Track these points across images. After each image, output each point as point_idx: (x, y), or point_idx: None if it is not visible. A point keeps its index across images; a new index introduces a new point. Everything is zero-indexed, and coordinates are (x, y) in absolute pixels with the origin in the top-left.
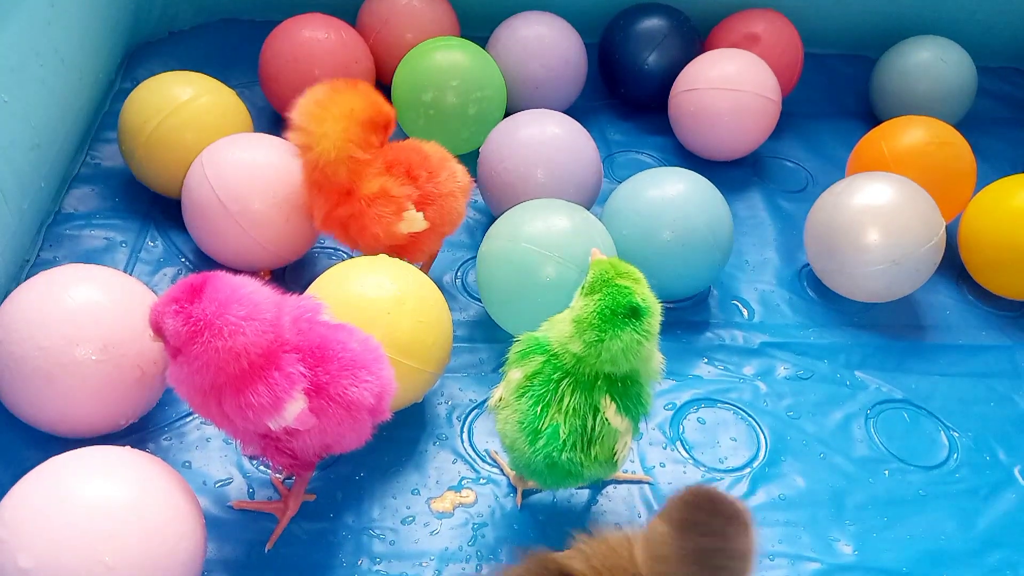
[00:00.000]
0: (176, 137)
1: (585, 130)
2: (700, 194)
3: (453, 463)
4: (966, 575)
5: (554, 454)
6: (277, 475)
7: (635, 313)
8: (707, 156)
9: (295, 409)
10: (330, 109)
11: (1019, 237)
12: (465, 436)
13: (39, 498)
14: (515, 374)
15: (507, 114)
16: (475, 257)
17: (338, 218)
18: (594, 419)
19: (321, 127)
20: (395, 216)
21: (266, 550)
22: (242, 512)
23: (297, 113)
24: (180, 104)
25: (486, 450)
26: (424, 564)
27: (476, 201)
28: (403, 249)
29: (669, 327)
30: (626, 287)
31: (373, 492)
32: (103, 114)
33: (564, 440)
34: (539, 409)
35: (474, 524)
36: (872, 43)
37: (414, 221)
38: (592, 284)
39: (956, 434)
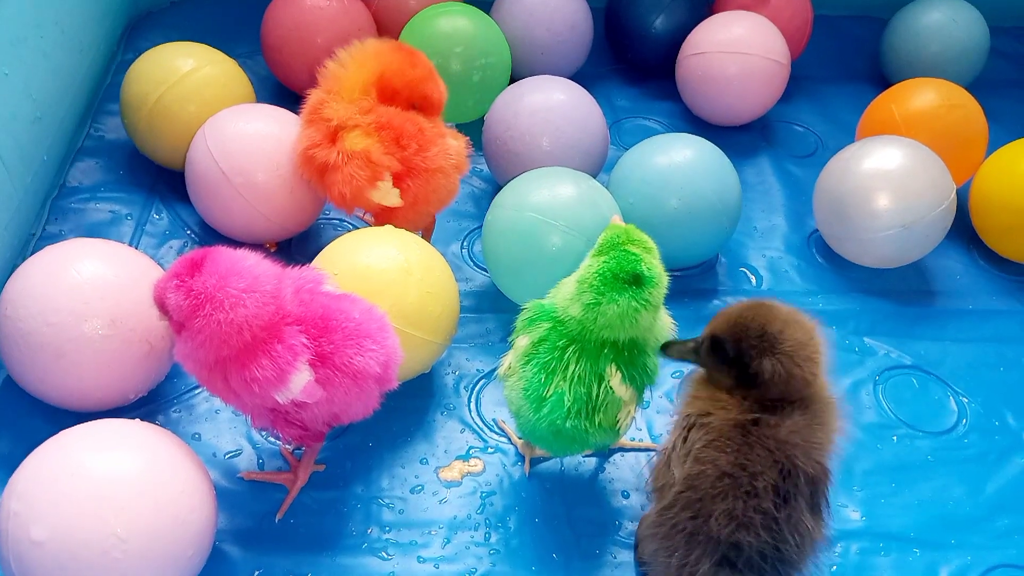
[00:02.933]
0: (178, 109)
1: (591, 96)
2: (708, 160)
3: (461, 432)
4: (974, 540)
5: (559, 421)
6: (287, 446)
7: (637, 280)
8: (715, 121)
9: (300, 381)
10: (370, 58)
11: None
12: (473, 406)
13: (51, 471)
14: (522, 340)
15: (512, 81)
16: (481, 227)
17: (315, 160)
18: (599, 387)
19: (354, 65)
20: (368, 183)
21: (276, 520)
22: (252, 483)
23: (344, 51)
24: (182, 76)
25: (493, 419)
26: (433, 532)
27: (481, 170)
28: (379, 219)
29: (677, 295)
30: (634, 254)
31: (382, 462)
32: (105, 86)
33: (568, 408)
34: (544, 376)
35: (482, 492)
36: (883, 4)
37: (387, 194)
38: (601, 246)
39: (965, 399)
